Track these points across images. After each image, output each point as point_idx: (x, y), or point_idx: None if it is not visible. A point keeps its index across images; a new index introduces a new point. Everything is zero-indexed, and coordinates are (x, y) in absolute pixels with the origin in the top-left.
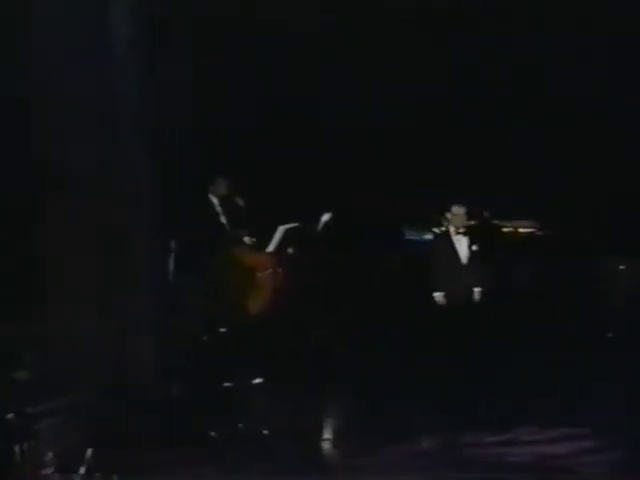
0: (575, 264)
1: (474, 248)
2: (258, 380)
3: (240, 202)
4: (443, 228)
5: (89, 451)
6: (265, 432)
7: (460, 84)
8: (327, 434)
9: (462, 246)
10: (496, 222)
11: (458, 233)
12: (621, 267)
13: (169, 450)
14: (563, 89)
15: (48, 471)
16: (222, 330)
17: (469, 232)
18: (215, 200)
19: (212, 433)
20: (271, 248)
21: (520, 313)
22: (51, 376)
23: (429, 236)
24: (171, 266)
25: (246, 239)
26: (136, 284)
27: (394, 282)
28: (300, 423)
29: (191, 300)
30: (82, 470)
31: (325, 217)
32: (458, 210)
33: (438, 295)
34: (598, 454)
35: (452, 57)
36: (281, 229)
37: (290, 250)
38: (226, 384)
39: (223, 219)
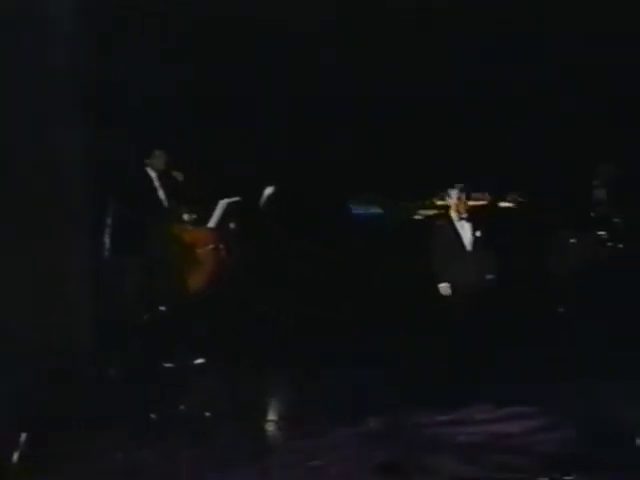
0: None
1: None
2: (199, 360)
3: (179, 176)
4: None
5: (23, 436)
6: (206, 414)
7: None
8: (272, 415)
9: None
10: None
11: (461, 218)
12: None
13: (105, 433)
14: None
15: None
16: (162, 308)
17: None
18: (153, 174)
19: (151, 415)
20: (212, 223)
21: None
22: None
23: (376, 210)
24: (108, 243)
25: (186, 214)
26: (71, 262)
27: (339, 255)
28: (243, 404)
29: (129, 278)
30: (15, 456)
31: (268, 191)
32: (457, 194)
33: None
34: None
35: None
36: (222, 203)
37: (232, 225)
38: (166, 364)
39: (162, 194)
